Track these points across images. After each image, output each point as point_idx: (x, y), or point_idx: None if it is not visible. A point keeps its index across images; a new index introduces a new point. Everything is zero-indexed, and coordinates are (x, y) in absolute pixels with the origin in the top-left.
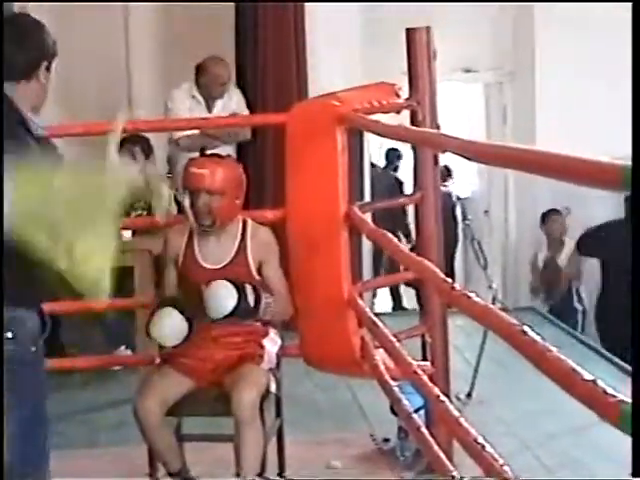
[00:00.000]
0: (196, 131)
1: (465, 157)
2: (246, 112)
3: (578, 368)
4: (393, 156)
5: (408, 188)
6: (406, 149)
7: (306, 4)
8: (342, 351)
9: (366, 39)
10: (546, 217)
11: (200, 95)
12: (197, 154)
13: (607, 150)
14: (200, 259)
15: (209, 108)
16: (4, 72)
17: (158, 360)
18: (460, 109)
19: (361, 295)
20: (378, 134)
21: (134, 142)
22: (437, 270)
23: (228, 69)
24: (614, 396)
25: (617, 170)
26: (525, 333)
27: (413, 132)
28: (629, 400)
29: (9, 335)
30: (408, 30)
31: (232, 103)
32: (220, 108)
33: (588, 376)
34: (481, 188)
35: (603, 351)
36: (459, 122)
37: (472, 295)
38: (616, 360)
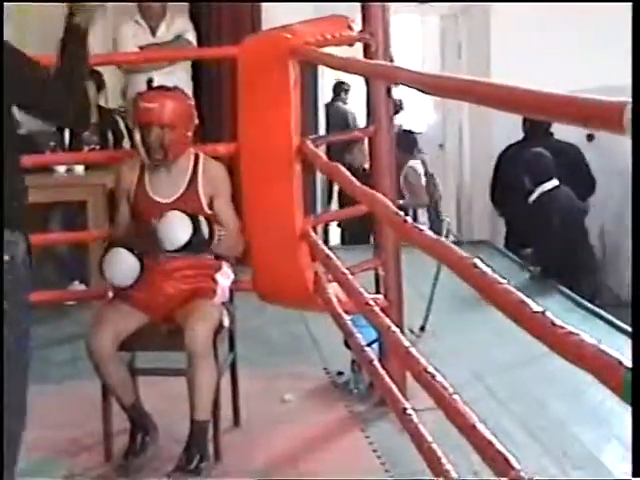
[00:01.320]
0: (138, 50)
1: (417, 89)
2: (191, 36)
3: (527, 299)
4: (340, 89)
5: (359, 121)
6: (354, 82)
7: None
8: (295, 285)
9: None
10: None
11: (143, 20)
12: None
13: (561, 85)
14: (152, 193)
15: (153, 32)
16: None
17: (111, 294)
18: (416, 42)
19: (314, 229)
20: (330, 67)
21: None
22: (389, 203)
23: None
24: (562, 327)
25: (574, 103)
26: (475, 266)
27: (365, 64)
28: (575, 330)
29: (7, 258)
30: None
31: (176, 25)
32: (164, 30)
33: (537, 307)
34: (436, 122)
35: (555, 283)
36: (414, 55)
37: (423, 228)
38: (567, 291)
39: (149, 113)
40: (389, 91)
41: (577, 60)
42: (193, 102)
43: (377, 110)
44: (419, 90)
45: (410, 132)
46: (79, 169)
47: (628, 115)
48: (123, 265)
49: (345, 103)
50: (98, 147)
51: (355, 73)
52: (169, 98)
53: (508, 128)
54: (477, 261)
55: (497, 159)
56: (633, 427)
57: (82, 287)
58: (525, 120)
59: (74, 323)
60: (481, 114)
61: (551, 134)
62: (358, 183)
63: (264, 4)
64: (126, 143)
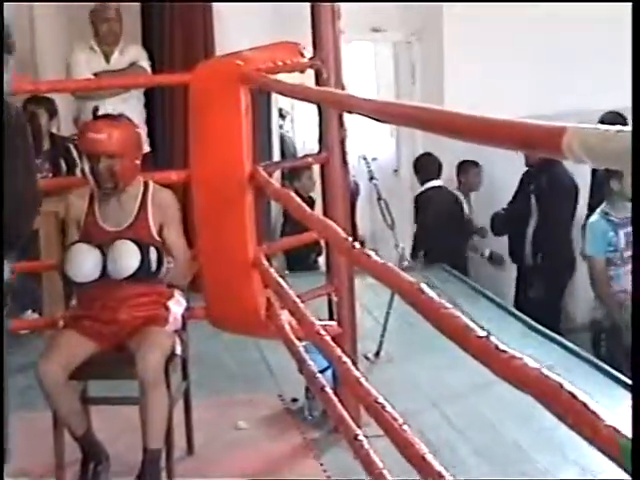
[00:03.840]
0: (92, 77)
1: (366, 116)
2: (145, 63)
3: (471, 324)
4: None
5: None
6: (298, 108)
7: None
8: (247, 312)
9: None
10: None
11: (97, 46)
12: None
13: (514, 110)
14: (101, 221)
15: (107, 59)
16: None
17: (62, 323)
18: (370, 69)
19: (267, 256)
20: (281, 93)
21: (37, 103)
22: (338, 229)
23: (114, 8)
24: (505, 351)
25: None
26: (422, 291)
27: (316, 92)
28: (521, 356)
29: None
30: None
31: (130, 53)
32: (118, 57)
33: (481, 332)
34: (390, 148)
35: (508, 306)
36: (369, 82)
37: (372, 254)
38: (519, 314)
39: (96, 143)
40: (340, 118)
41: (529, 86)
42: (140, 129)
43: (329, 137)
44: (368, 117)
45: (363, 158)
46: None
47: (567, 139)
48: (86, 259)
49: (281, 129)
50: (50, 175)
51: (306, 100)
52: (115, 127)
53: (460, 152)
54: (424, 286)
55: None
56: (633, 425)
57: (35, 316)
58: None
59: (27, 352)
60: (435, 139)
61: None
62: (309, 210)
63: (217, 25)
64: (79, 171)
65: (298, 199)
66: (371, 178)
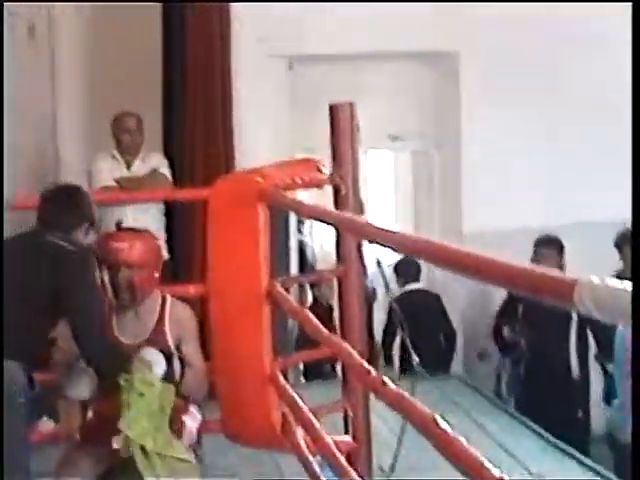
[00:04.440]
0: (114, 184)
1: (385, 246)
2: (166, 171)
3: (486, 462)
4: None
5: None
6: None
7: (232, 66)
8: (263, 427)
9: (293, 104)
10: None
11: (119, 155)
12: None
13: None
14: (118, 335)
15: (128, 166)
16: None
17: (77, 436)
18: (389, 177)
19: (283, 370)
20: (299, 214)
21: None
22: (354, 354)
23: (135, 118)
24: None
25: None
26: (437, 424)
27: (334, 215)
28: None
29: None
30: (331, 107)
31: (152, 160)
32: (139, 164)
33: (496, 472)
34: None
35: (525, 420)
36: (387, 190)
37: (387, 381)
38: (539, 430)
39: (117, 253)
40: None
41: (548, 195)
42: (160, 242)
43: (346, 250)
44: (385, 247)
45: (378, 264)
46: None
47: (578, 292)
48: (81, 380)
49: (300, 233)
50: None
51: (324, 222)
52: (137, 238)
53: None
54: (438, 418)
55: None
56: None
57: (50, 424)
58: None
59: (42, 461)
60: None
61: None
62: (325, 330)
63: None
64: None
65: (315, 319)
66: (387, 288)
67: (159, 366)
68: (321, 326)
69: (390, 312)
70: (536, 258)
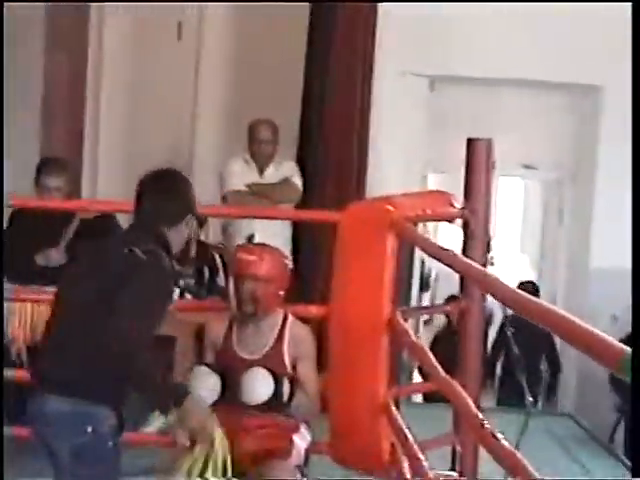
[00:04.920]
0: (245, 188)
1: (502, 303)
2: (298, 180)
3: None
4: None
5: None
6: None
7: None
8: (371, 454)
9: (430, 125)
10: None
11: (252, 159)
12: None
13: None
14: (237, 348)
15: (261, 172)
16: (160, 218)
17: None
18: (518, 205)
19: (396, 400)
20: (425, 251)
21: None
22: (470, 402)
23: (270, 128)
24: None
25: None
26: None
27: (460, 263)
28: None
29: (89, 429)
30: (469, 140)
31: (284, 168)
32: (272, 172)
33: None
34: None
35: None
36: (515, 217)
37: (500, 437)
38: None
39: (246, 265)
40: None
41: None
42: (290, 263)
43: (470, 288)
44: (508, 307)
45: None
46: None
47: (626, 358)
48: (204, 383)
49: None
50: (193, 281)
51: (448, 266)
52: (267, 253)
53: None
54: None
55: None
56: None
57: (161, 421)
58: None
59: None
60: (576, 282)
61: None
62: (442, 372)
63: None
64: (220, 280)
65: (431, 357)
66: (504, 310)
67: (268, 386)
68: (437, 366)
69: (501, 331)
70: None
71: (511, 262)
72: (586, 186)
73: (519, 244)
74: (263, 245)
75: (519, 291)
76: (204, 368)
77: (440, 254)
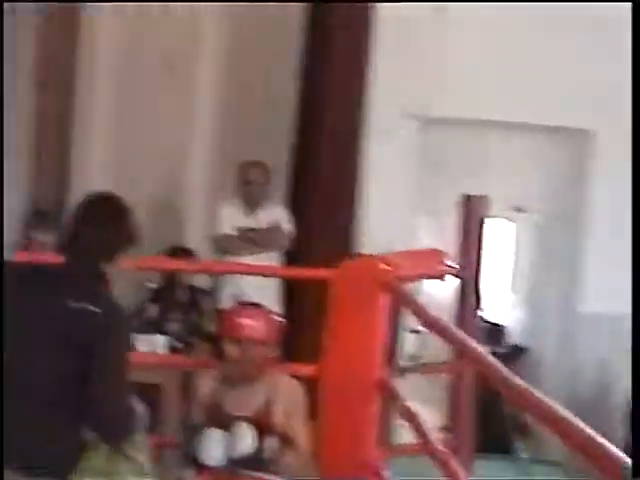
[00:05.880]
0: (234, 232)
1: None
2: (288, 226)
3: None
4: None
5: None
6: None
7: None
8: None
9: (420, 166)
10: None
11: (242, 201)
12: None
13: None
14: (227, 406)
15: (250, 215)
16: (102, 251)
17: None
18: (508, 245)
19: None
20: (417, 317)
21: (178, 254)
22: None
23: (259, 169)
24: None
25: None
26: None
27: (453, 336)
28: None
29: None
30: (464, 197)
31: (273, 213)
32: (261, 216)
33: None
34: (517, 319)
35: None
36: (506, 258)
37: None
38: None
39: (243, 327)
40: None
41: None
42: (281, 320)
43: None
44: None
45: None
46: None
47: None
48: (219, 446)
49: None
50: (177, 326)
51: (442, 339)
52: (262, 315)
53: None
54: None
55: None
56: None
57: None
58: None
59: None
60: (566, 323)
61: None
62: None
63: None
64: (207, 324)
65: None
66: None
67: (244, 441)
68: (427, 432)
69: None
70: None
71: (502, 301)
72: (576, 231)
73: (510, 285)
74: (254, 305)
75: (515, 379)
76: (242, 423)
77: (432, 323)
